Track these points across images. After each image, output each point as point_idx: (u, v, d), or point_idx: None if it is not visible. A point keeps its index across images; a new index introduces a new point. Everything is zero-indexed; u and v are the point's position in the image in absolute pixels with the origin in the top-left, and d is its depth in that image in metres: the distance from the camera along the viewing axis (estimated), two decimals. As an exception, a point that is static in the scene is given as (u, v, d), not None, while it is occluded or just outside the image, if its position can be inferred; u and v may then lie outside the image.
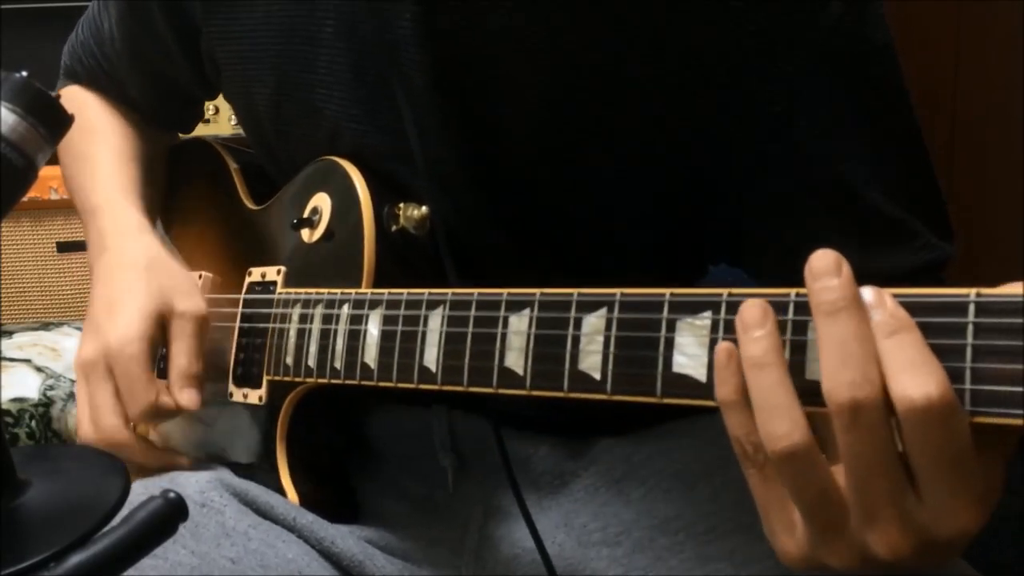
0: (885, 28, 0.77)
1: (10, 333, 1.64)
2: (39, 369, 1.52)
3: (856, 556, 0.52)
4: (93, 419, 0.84)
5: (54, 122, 0.54)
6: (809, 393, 0.51)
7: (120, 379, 0.83)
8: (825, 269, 0.50)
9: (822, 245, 0.77)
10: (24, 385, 1.47)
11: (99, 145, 1.00)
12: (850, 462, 0.50)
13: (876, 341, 0.48)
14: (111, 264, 0.90)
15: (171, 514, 0.49)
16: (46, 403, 1.45)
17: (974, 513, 0.49)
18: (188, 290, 0.87)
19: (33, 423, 1.43)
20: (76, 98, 1.05)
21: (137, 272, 0.87)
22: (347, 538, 0.82)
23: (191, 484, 0.81)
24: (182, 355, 0.84)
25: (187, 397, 0.83)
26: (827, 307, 0.50)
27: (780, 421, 0.50)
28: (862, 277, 0.51)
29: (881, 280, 0.50)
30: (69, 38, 1.07)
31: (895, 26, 0.78)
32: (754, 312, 0.52)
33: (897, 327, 0.48)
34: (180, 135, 1.12)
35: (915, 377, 0.47)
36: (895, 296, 0.50)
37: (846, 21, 0.74)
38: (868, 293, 0.50)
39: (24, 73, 0.54)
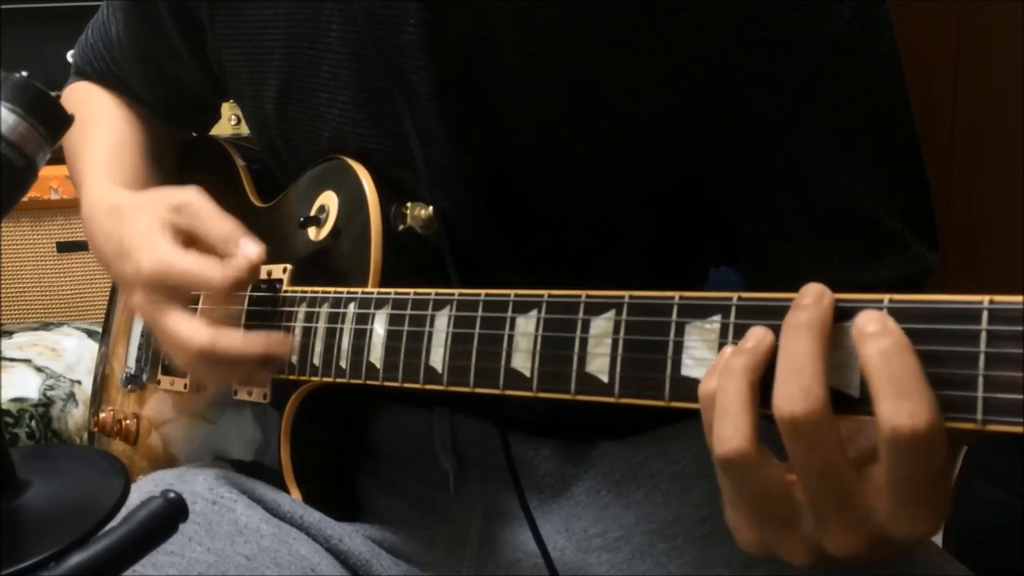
0: (892, 37, 0.77)
1: (10, 333, 1.64)
2: (39, 369, 1.52)
3: (809, 552, 0.53)
4: (182, 344, 0.78)
5: (54, 122, 0.54)
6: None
7: (179, 290, 0.78)
8: (805, 294, 0.51)
9: (814, 252, 0.78)
10: (24, 385, 1.47)
11: (96, 134, 0.99)
12: (797, 471, 0.51)
13: (867, 362, 0.48)
14: (100, 223, 0.87)
15: (171, 514, 0.48)
16: (46, 403, 1.45)
17: (934, 520, 0.50)
18: (174, 190, 0.83)
19: (33, 423, 1.43)
20: (83, 90, 1.05)
21: (121, 210, 0.85)
22: (353, 537, 0.82)
23: (200, 481, 0.81)
24: (213, 228, 0.79)
25: (249, 249, 0.77)
26: (791, 323, 0.51)
27: (725, 426, 0.52)
28: (848, 288, 0.51)
29: (864, 291, 0.51)
30: (79, 40, 1.07)
31: (895, 26, 0.77)
32: (757, 331, 0.53)
33: (890, 348, 0.48)
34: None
35: (903, 405, 0.47)
36: (908, 303, 0.49)
37: (854, 28, 0.74)
38: (871, 317, 0.49)
39: (24, 73, 0.54)
